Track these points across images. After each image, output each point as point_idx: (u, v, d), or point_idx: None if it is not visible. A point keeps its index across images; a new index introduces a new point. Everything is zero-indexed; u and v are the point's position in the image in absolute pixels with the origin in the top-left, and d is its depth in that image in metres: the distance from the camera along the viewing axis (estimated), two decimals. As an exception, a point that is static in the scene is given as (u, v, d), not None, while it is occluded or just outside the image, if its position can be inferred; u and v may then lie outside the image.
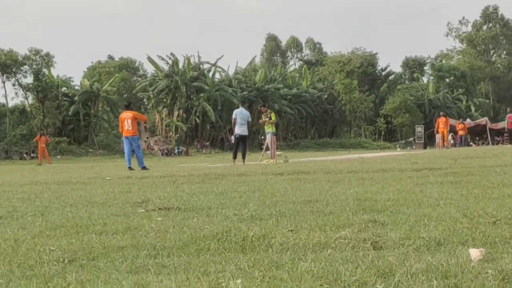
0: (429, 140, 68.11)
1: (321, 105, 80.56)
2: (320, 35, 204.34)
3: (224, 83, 73.68)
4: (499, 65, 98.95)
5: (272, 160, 23.17)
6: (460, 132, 43.79)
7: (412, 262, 4.03)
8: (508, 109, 50.91)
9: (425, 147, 56.91)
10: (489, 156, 18.39)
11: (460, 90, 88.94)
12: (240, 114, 23.02)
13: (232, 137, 34.77)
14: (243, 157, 22.90)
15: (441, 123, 38.96)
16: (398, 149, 59.96)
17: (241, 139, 23.24)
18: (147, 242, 5.24)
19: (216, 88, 71.14)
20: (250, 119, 23.45)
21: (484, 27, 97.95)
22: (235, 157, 23.20)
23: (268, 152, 24.65)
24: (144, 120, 21.97)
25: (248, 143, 24.08)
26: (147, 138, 66.37)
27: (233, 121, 23.35)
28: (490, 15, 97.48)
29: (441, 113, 42.55)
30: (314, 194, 8.77)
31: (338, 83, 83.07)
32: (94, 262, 4.58)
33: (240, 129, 22.93)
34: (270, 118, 24.45)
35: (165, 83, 70.44)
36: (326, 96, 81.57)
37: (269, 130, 24.56)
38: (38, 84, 63.04)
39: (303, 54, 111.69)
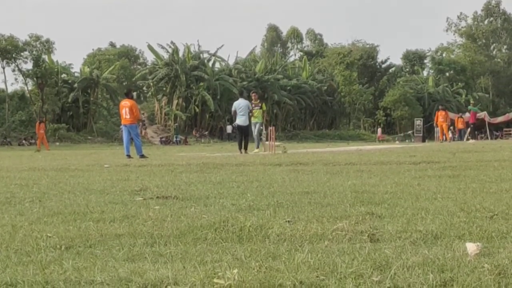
0: (428, 134, 68.15)
1: (321, 96, 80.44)
2: (321, 27, 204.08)
3: (224, 72, 73.54)
4: (499, 59, 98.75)
5: (256, 150, 23.10)
6: (459, 126, 43.83)
7: (408, 255, 4.04)
8: (471, 104, 51.11)
9: (423, 140, 56.94)
10: (488, 151, 18.41)
11: (459, 84, 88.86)
12: (239, 106, 23.19)
13: (228, 127, 34.78)
14: (245, 147, 23.02)
15: (441, 116, 39.03)
16: (397, 142, 59.98)
17: (241, 129, 23.37)
18: (144, 231, 5.24)
19: (216, 77, 71.01)
20: (250, 107, 23.45)
21: (486, 21, 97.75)
22: (240, 147, 23.27)
23: (267, 142, 24.65)
24: (137, 118, 21.50)
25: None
26: (144, 125, 66.05)
27: (233, 113, 23.65)
28: (492, 9, 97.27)
29: (440, 106, 42.60)
30: (312, 186, 8.78)
31: (338, 74, 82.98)
32: (91, 250, 4.58)
33: (239, 120, 23.16)
34: (261, 108, 24.47)
35: (164, 71, 70.28)
36: (325, 87, 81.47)
37: (257, 120, 24.47)
38: (38, 70, 62.88)
39: (303, 45, 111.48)
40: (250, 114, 23.45)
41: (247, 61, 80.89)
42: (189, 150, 37.64)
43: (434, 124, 41.29)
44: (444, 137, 39.55)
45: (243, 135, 23.42)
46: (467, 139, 39.89)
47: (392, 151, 20.64)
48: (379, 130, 73.82)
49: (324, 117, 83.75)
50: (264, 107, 25.19)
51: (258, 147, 23.81)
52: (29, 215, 6.38)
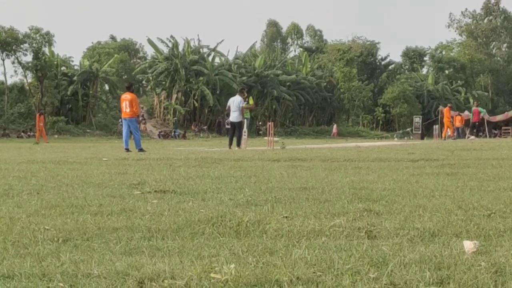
0: (426, 131, 68.17)
1: (320, 92, 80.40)
2: (321, 23, 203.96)
3: (224, 67, 73.51)
4: (498, 58, 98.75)
5: (236, 148, 22.72)
6: (457, 124, 43.92)
7: (405, 252, 4.04)
8: (474, 102, 51.34)
9: (422, 138, 56.96)
10: (486, 149, 18.42)
11: (459, 82, 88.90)
12: (233, 102, 23.33)
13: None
14: (237, 143, 23.03)
15: (448, 113, 39.86)
16: (396, 139, 59.99)
17: (233, 125, 23.47)
18: (142, 224, 5.24)
19: (215, 72, 70.99)
20: (242, 104, 23.39)
21: (485, 20, 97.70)
22: (230, 143, 23.31)
23: (265, 138, 24.64)
24: (136, 113, 21.49)
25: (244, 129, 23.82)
26: (143, 119, 66.05)
27: (227, 109, 23.78)
28: (491, 7, 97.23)
29: (449, 104, 43.32)
30: (310, 182, 8.78)
31: (337, 71, 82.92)
32: (89, 243, 4.58)
33: (231, 116, 23.30)
34: (248, 103, 24.50)
35: (164, 65, 70.26)
36: (325, 83, 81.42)
37: (246, 116, 24.41)
38: (38, 62, 62.86)
39: (303, 41, 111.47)
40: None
41: (246, 56, 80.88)
42: (188, 144, 37.66)
43: (446, 122, 41.49)
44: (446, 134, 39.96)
45: (234, 131, 23.44)
46: (468, 137, 40.02)
47: (391, 148, 20.65)
48: (335, 126, 73.33)
49: (323, 113, 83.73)
50: (251, 101, 25.26)
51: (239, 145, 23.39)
52: (27, 207, 6.37)
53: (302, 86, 77.72)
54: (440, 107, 63.12)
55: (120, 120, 35.59)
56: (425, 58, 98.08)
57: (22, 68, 65.41)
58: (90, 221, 5.44)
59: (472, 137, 39.28)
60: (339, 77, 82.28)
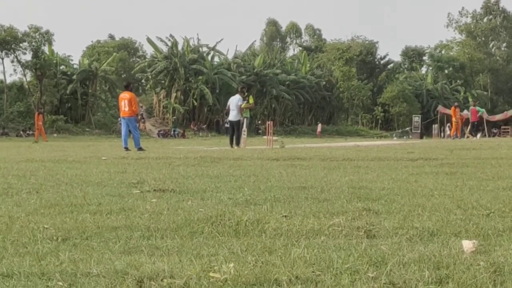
0: (425, 130, 68.19)
1: (319, 91, 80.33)
2: (320, 22, 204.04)
3: (223, 66, 73.43)
4: (498, 57, 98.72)
5: (236, 147, 22.64)
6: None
7: (404, 251, 4.05)
8: (472, 102, 51.59)
9: (421, 137, 56.96)
10: (485, 148, 18.41)
11: (458, 81, 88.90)
12: (232, 101, 23.48)
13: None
14: (237, 142, 23.06)
15: (454, 113, 40.06)
16: (395, 138, 60.01)
17: (231, 124, 23.60)
18: (141, 223, 5.24)
19: (214, 71, 70.94)
20: (240, 102, 23.42)
21: (485, 19, 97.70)
22: (231, 142, 23.35)
23: (264, 137, 24.66)
24: (135, 112, 21.45)
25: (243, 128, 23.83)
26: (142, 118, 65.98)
27: (227, 108, 23.96)
28: (491, 7, 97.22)
29: (455, 103, 43.55)
30: (309, 181, 8.77)
31: (336, 70, 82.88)
32: (88, 242, 4.58)
33: (230, 115, 23.46)
34: (248, 102, 24.53)
35: (163, 64, 70.21)
36: (324, 83, 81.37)
37: (246, 115, 24.45)
38: (37, 61, 62.80)
39: (302, 40, 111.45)
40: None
41: (246, 55, 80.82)
42: (187, 143, 37.66)
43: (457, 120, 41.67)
44: (455, 133, 40.06)
45: (234, 130, 23.52)
46: (467, 137, 40.09)
47: (390, 147, 20.65)
48: (319, 125, 73.01)
49: (322, 112, 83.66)
50: (251, 100, 25.36)
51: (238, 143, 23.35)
52: (26, 206, 6.37)
53: (301, 85, 77.63)
54: (439, 107, 63.26)
55: (119, 119, 35.68)
56: (424, 57, 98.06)
57: (21, 66, 65.36)
58: (89, 220, 5.45)
59: (472, 137, 39.36)
60: (338, 76, 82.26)
